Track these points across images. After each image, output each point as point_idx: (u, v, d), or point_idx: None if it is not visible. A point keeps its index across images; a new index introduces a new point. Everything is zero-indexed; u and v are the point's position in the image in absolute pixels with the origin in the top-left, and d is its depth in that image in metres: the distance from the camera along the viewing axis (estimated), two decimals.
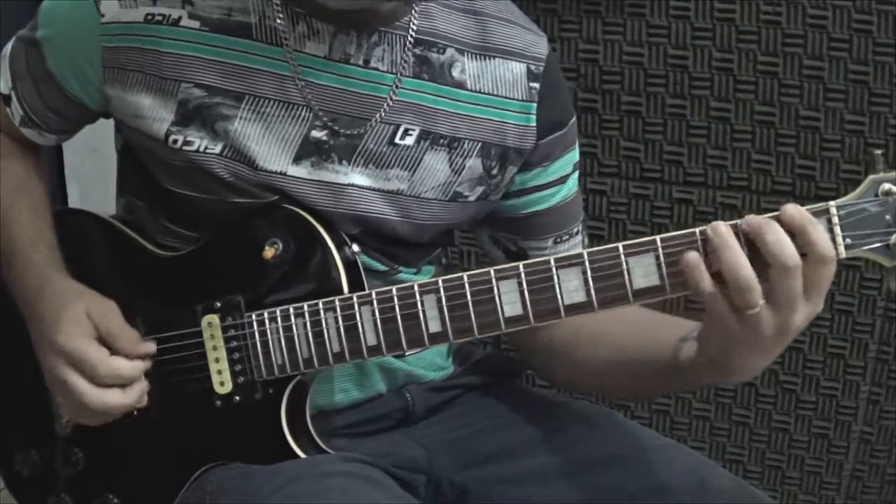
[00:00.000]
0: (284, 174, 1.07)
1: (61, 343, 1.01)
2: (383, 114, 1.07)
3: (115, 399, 1.03)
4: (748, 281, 0.89)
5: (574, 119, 1.20)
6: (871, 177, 0.92)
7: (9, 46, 1.14)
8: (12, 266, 1.11)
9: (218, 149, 1.06)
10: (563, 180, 1.19)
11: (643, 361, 1.08)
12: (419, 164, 1.10)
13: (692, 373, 1.02)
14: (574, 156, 1.21)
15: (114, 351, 1.03)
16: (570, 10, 1.68)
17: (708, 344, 0.97)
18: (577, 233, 1.23)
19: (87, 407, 1.02)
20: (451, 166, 1.12)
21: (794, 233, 0.89)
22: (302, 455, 1.06)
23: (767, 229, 0.89)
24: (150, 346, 1.06)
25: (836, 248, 0.91)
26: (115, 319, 1.05)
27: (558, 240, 1.21)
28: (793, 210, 0.90)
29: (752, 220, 0.91)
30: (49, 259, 1.10)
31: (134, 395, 1.04)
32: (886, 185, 0.92)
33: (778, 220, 0.90)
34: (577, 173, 1.22)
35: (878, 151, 0.93)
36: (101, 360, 1.02)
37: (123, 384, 1.03)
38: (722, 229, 0.91)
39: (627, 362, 1.10)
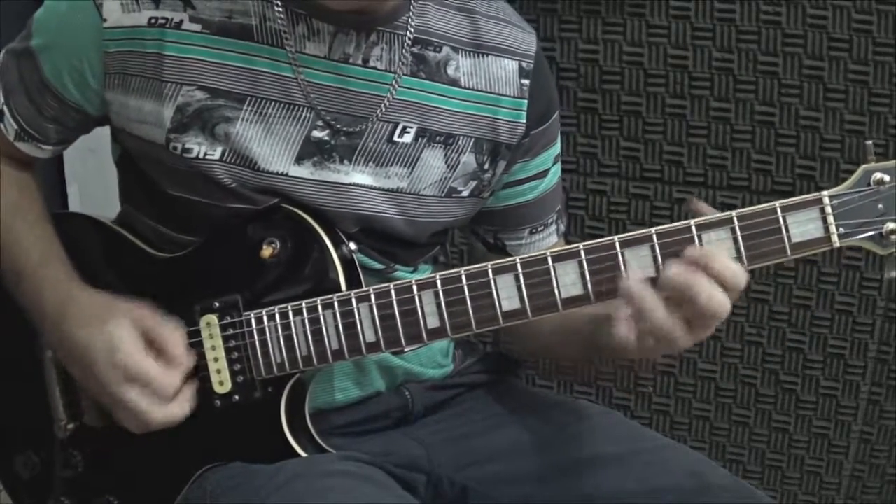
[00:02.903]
0: (286, 175, 1.07)
1: (126, 365, 1.00)
2: (382, 112, 1.08)
3: (178, 412, 1.03)
4: (665, 334, 0.93)
5: (557, 114, 1.21)
6: (864, 166, 0.93)
7: None
8: (22, 287, 1.09)
9: (217, 153, 1.05)
10: (543, 174, 1.21)
11: (571, 332, 1.11)
12: (417, 161, 1.11)
13: (605, 351, 1.04)
14: (555, 150, 1.22)
15: (162, 358, 1.03)
16: (570, 10, 1.69)
17: (612, 336, 0.99)
18: (552, 222, 1.25)
19: (152, 423, 1.02)
20: (446, 162, 1.12)
21: (701, 269, 0.92)
22: (302, 454, 1.06)
23: (699, 288, 0.91)
24: (192, 358, 1.05)
25: (829, 238, 0.92)
26: (158, 326, 1.04)
27: (534, 230, 1.23)
28: (692, 250, 0.92)
29: (676, 279, 0.92)
30: (64, 273, 1.09)
31: (189, 405, 1.04)
32: (878, 175, 0.92)
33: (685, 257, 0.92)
34: (558, 165, 1.24)
35: (870, 142, 0.93)
36: (168, 380, 1.01)
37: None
38: (635, 293, 0.93)
39: (562, 331, 1.13)
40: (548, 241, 1.25)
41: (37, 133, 1.12)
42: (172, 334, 1.04)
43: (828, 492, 1.78)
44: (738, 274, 0.92)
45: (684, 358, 1.79)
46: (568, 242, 1.27)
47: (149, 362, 1.01)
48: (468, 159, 1.13)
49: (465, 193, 1.15)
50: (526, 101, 1.15)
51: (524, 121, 1.15)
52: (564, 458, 1.13)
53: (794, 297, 1.70)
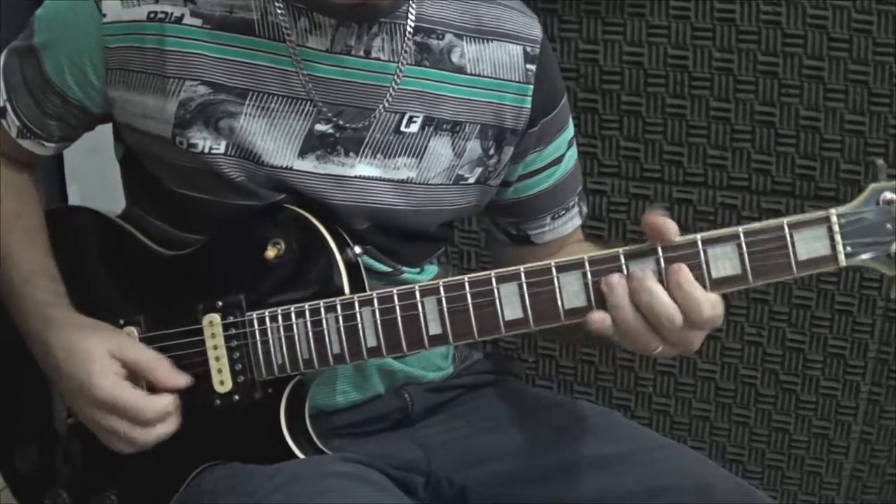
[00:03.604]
0: (290, 168, 1.07)
1: (101, 398, 1.02)
2: (387, 103, 1.08)
3: (164, 431, 1.04)
4: (638, 336, 0.93)
5: (565, 99, 1.21)
6: (873, 185, 0.91)
7: (1, 59, 1.13)
8: (10, 303, 1.10)
9: (222, 148, 1.06)
10: (558, 161, 1.21)
11: None
12: (425, 150, 1.11)
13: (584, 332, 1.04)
14: (568, 134, 1.22)
15: (150, 383, 1.04)
16: (570, 10, 1.69)
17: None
18: (573, 206, 1.25)
19: (140, 445, 1.04)
20: (454, 150, 1.12)
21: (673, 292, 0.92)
22: (300, 455, 1.06)
23: (664, 312, 0.91)
24: (185, 378, 1.06)
25: (836, 257, 0.91)
26: (140, 352, 1.05)
27: (556, 216, 1.24)
28: (675, 270, 0.92)
29: (647, 302, 0.92)
30: (49, 295, 1.09)
31: (176, 421, 1.05)
32: (888, 195, 0.90)
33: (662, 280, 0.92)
34: (573, 148, 1.24)
35: (881, 161, 0.93)
36: (146, 406, 1.02)
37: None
38: (614, 282, 0.93)
39: None
40: (571, 223, 1.25)
41: (40, 130, 1.13)
42: (156, 359, 1.05)
43: (828, 492, 1.78)
44: (707, 322, 0.92)
45: (684, 358, 1.79)
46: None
47: (129, 395, 1.02)
48: (473, 146, 1.13)
49: (471, 180, 1.15)
50: (531, 87, 1.15)
51: (529, 106, 1.15)
52: (564, 458, 1.13)
53: (794, 297, 1.70)
